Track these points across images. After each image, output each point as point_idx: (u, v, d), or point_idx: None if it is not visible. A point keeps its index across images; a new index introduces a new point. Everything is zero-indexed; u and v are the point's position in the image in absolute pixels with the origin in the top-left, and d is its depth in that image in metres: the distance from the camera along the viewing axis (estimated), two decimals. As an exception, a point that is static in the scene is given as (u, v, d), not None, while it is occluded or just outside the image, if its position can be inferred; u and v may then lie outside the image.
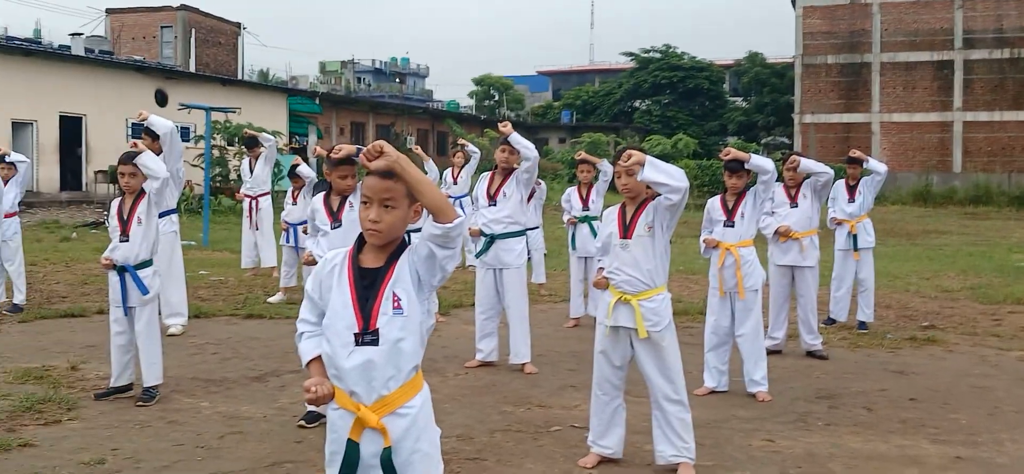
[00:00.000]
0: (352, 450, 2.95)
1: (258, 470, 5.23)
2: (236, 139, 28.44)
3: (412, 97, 70.58)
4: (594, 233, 9.46)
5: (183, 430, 5.98)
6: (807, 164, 8.12)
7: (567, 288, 10.98)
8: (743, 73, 62.51)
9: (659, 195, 5.06)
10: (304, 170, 11.22)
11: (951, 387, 7.42)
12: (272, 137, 12.83)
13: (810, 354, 8.52)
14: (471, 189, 11.03)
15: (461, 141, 14.09)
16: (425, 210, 2.97)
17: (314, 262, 6.23)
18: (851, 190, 9.92)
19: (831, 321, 9.95)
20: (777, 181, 7.80)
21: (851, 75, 43.73)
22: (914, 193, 37.63)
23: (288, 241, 11.34)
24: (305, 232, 7.18)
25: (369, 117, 49.32)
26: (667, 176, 4.86)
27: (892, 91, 43.17)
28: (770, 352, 8.14)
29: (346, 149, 6.02)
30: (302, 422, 6.06)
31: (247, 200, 12.88)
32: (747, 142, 50.74)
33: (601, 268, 5.36)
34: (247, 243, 13.08)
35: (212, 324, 9.82)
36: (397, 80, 77.99)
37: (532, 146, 7.70)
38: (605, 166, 10.17)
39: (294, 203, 11.39)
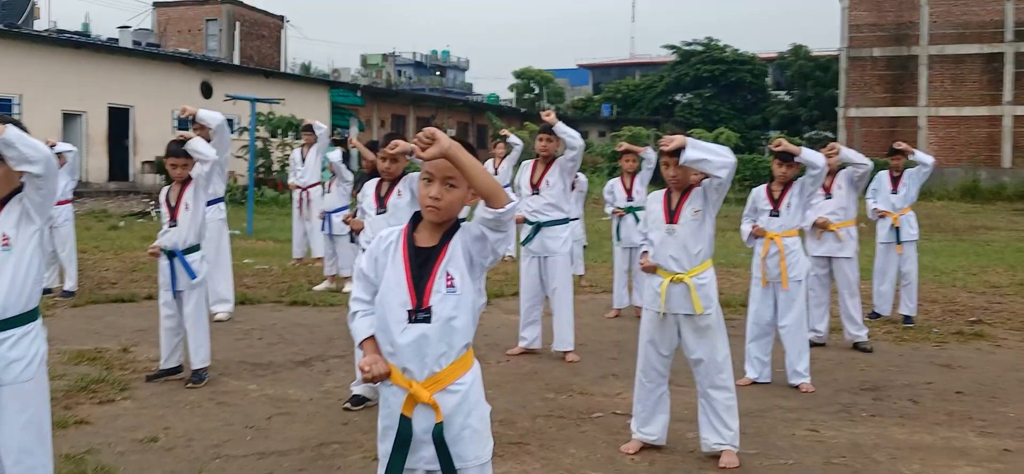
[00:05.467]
0: (405, 425, 3.01)
1: (306, 450, 5.33)
2: (279, 131, 28.72)
3: (452, 90, 70.61)
4: (639, 223, 9.43)
5: (232, 411, 6.11)
6: (847, 154, 8.04)
7: (608, 279, 10.99)
8: (786, 66, 61.68)
9: (706, 179, 5.06)
10: (334, 157, 11.26)
11: (999, 381, 7.34)
12: (324, 126, 12.93)
13: (855, 346, 8.46)
14: (512, 180, 11.06)
15: (503, 132, 14.13)
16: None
17: (361, 225, 6.33)
18: (895, 181, 9.79)
19: (875, 315, 9.86)
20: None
21: (897, 68, 43.09)
22: (961, 188, 36.98)
23: (324, 229, 11.47)
24: (346, 221, 7.24)
25: (410, 110, 49.52)
26: (711, 153, 4.85)
27: (940, 85, 42.46)
28: (813, 345, 8.10)
29: (402, 145, 6.08)
30: (347, 405, 6.16)
31: (297, 191, 12.98)
32: (790, 136, 49.85)
33: (645, 252, 5.37)
34: (297, 233, 13.20)
35: (258, 310, 9.97)
36: (437, 73, 78.08)
37: (577, 135, 7.71)
38: (648, 153, 10.14)
39: (329, 191, 11.55)
